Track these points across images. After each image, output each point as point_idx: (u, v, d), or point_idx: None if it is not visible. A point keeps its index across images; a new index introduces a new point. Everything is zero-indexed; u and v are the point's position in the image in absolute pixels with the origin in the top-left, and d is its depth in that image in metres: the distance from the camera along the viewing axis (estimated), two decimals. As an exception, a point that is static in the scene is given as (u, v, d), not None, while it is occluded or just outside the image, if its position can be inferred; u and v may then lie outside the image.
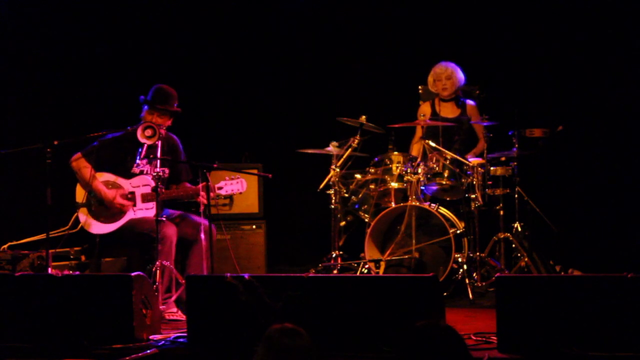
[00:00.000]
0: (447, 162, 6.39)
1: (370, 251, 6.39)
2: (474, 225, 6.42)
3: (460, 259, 6.22)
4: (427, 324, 2.86)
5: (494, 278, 5.35)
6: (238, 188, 5.93)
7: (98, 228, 5.95)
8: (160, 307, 5.29)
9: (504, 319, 4.34)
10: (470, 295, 6.01)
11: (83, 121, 7.34)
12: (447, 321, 4.24)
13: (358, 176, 6.73)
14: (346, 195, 6.76)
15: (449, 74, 6.87)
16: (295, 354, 2.92)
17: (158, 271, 5.50)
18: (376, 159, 6.66)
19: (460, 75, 6.89)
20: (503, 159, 6.69)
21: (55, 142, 5.58)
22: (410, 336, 2.84)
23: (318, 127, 7.56)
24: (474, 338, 4.61)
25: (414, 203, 6.26)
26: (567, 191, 7.24)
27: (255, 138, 8.03)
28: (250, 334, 4.45)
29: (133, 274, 4.79)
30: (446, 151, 6.44)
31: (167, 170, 6.00)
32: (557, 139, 6.70)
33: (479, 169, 6.39)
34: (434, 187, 6.46)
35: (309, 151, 6.94)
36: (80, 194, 5.98)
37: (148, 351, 4.52)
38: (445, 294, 5.93)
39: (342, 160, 6.68)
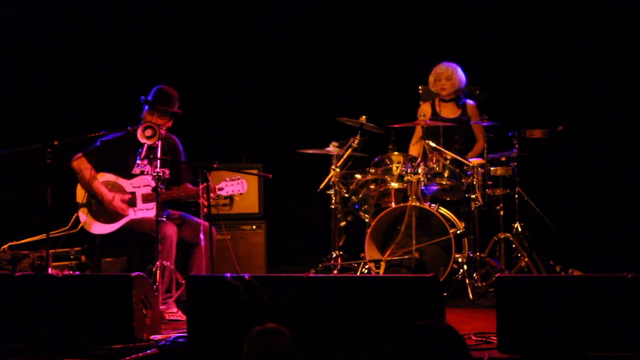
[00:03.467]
0: (447, 162, 6.38)
1: (370, 251, 6.39)
2: (474, 225, 6.42)
3: (460, 259, 6.22)
4: (427, 324, 2.86)
5: (494, 278, 5.36)
6: (238, 189, 5.94)
7: (98, 228, 5.95)
8: (161, 307, 5.29)
9: (504, 319, 4.34)
10: (471, 296, 6.01)
11: (83, 121, 7.34)
12: (447, 321, 4.24)
13: (358, 176, 6.73)
14: (346, 195, 6.76)
15: (449, 75, 6.87)
16: (275, 353, 2.95)
17: (158, 271, 5.50)
18: (376, 159, 6.66)
19: (461, 76, 6.89)
20: (503, 159, 6.68)
21: (56, 142, 5.58)
22: (410, 336, 2.84)
23: (318, 127, 7.56)
24: (474, 338, 4.61)
25: (414, 203, 6.26)
26: (567, 191, 7.23)
27: (255, 138, 8.03)
28: (250, 334, 4.46)
29: (133, 274, 4.79)
30: (446, 151, 6.44)
31: (167, 171, 5.99)
32: (557, 140, 6.70)
33: (479, 169, 6.39)
34: (434, 187, 6.45)
35: (309, 151, 6.94)
36: (80, 194, 5.98)
37: (148, 351, 4.52)
38: (445, 294, 5.93)
39: (342, 160, 6.68)
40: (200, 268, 5.75)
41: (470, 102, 6.96)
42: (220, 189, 5.90)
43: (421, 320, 2.88)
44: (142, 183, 5.98)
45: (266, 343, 2.97)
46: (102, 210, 5.96)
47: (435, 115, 6.90)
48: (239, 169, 6.22)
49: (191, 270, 5.87)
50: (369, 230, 6.38)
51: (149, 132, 5.78)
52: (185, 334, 4.73)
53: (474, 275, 6.29)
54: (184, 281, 5.41)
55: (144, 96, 6.01)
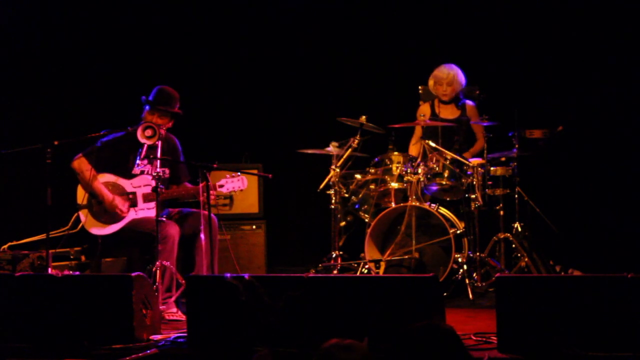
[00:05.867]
0: (447, 162, 6.39)
1: (370, 251, 6.39)
2: (474, 225, 6.42)
3: (460, 259, 6.22)
4: (427, 324, 2.86)
5: (494, 278, 5.36)
6: (239, 185, 5.93)
7: (99, 229, 5.95)
8: (160, 307, 5.29)
9: (504, 319, 4.33)
10: (471, 296, 6.02)
11: (83, 121, 7.34)
12: (447, 321, 4.24)
13: (358, 176, 6.73)
14: (346, 195, 6.76)
15: (450, 80, 6.85)
16: None
17: (158, 271, 5.50)
18: (376, 159, 6.66)
19: (461, 79, 6.88)
20: (503, 159, 6.69)
21: (56, 142, 5.58)
22: (410, 336, 2.83)
23: (318, 127, 7.56)
24: (474, 338, 4.61)
25: (414, 203, 6.26)
26: (567, 191, 7.24)
27: (255, 138, 8.03)
28: (250, 335, 4.46)
29: (133, 274, 4.79)
30: (446, 151, 6.44)
31: (167, 171, 5.99)
32: (557, 140, 6.70)
33: (479, 169, 6.40)
34: (434, 187, 6.46)
35: (309, 151, 6.94)
36: (80, 195, 5.97)
37: (148, 351, 4.52)
38: (445, 294, 5.94)
39: (342, 160, 6.68)
40: (204, 258, 5.74)
41: (469, 102, 6.96)
42: (221, 186, 5.89)
43: (421, 321, 2.87)
44: (142, 183, 5.98)
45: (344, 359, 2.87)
46: (102, 211, 5.95)
47: (434, 116, 6.89)
48: (239, 169, 6.21)
49: (196, 260, 5.86)
50: (369, 230, 6.38)
51: (149, 132, 5.77)
52: (185, 334, 4.73)
53: (474, 275, 6.29)
54: (184, 281, 5.41)
55: (144, 96, 6.02)
